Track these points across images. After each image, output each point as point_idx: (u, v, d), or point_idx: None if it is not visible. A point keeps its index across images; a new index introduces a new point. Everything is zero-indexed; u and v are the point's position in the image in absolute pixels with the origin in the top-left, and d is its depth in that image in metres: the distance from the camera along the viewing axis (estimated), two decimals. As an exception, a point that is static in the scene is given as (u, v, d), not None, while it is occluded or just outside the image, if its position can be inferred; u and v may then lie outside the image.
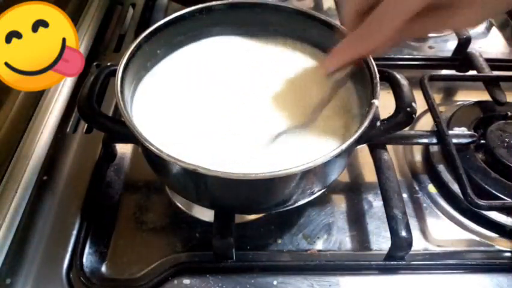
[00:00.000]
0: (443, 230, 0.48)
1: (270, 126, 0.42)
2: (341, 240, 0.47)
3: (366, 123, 0.37)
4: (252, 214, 0.48)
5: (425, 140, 0.51)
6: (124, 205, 0.49)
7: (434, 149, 0.54)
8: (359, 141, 0.42)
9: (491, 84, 0.58)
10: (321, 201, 0.50)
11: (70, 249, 0.45)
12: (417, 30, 0.33)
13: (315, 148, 0.40)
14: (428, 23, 0.32)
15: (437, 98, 0.58)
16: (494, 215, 0.48)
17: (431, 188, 0.52)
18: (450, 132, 0.51)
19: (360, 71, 0.44)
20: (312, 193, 0.41)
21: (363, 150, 0.53)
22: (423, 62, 0.66)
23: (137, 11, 0.77)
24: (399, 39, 0.35)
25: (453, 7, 0.31)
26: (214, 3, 0.49)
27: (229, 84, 0.47)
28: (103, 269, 0.44)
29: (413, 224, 0.48)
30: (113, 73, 0.42)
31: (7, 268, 0.43)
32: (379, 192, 0.46)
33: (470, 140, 0.51)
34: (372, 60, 0.42)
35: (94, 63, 0.66)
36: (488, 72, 0.61)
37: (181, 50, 0.50)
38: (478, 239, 0.47)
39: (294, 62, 0.49)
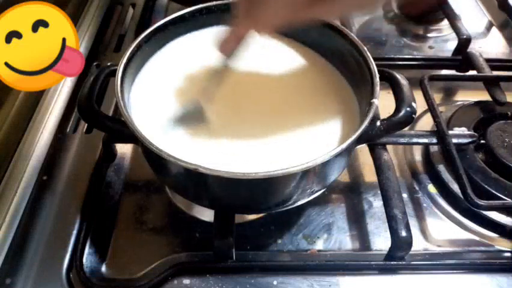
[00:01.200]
0: (443, 230, 0.48)
1: (270, 125, 0.42)
2: (341, 240, 0.47)
3: (366, 123, 0.37)
4: (252, 214, 0.48)
5: (425, 140, 0.51)
6: (124, 205, 0.49)
7: (434, 149, 0.54)
8: (359, 141, 0.42)
9: (491, 84, 0.58)
10: (321, 201, 0.50)
11: (70, 249, 0.44)
12: (306, 16, 0.36)
13: (315, 148, 0.40)
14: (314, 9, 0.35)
15: (437, 98, 0.57)
16: (494, 215, 0.48)
17: (431, 188, 0.52)
18: (450, 132, 0.51)
19: (360, 70, 0.44)
20: (312, 193, 0.41)
21: (363, 150, 0.53)
22: (423, 62, 0.66)
23: (137, 11, 0.77)
24: (294, 21, 0.36)
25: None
26: (214, 3, 0.49)
27: (228, 83, 0.47)
28: (103, 269, 0.44)
29: (413, 224, 0.48)
30: (113, 73, 0.42)
31: (7, 268, 0.43)
32: (379, 192, 0.46)
33: (470, 140, 0.51)
34: (372, 60, 0.42)
35: (94, 63, 0.66)
36: (488, 72, 0.61)
37: (181, 50, 0.50)
38: (478, 239, 0.47)
39: (293, 62, 0.49)
